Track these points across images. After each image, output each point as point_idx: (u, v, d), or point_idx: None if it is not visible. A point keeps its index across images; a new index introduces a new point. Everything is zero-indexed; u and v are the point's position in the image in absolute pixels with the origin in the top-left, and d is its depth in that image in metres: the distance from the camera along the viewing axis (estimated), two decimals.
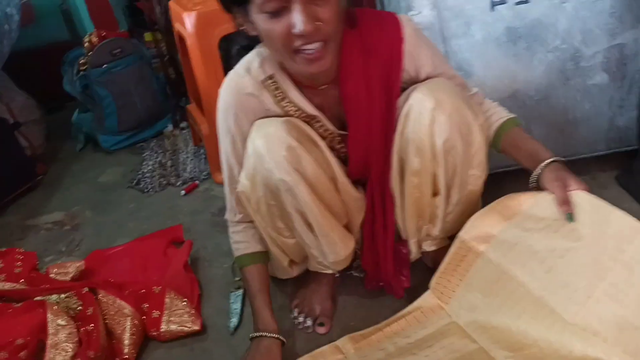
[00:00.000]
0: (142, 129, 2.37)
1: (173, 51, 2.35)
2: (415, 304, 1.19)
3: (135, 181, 2.04)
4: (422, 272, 1.30)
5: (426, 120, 1.05)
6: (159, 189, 1.96)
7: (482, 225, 1.11)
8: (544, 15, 1.32)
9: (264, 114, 1.11)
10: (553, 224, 1.04)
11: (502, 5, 1.31)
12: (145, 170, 2.09)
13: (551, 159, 1.06)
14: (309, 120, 1.13)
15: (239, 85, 1.11)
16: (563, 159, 1.07)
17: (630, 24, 1.33)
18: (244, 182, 1.11)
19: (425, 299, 1.19)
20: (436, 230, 1.21)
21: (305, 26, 0.92)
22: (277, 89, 1.11)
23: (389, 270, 1.23)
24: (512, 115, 1.18)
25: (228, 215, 1.26)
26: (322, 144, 1.11)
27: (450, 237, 1.26)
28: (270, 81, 1.10)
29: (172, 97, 2.47)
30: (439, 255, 1.25)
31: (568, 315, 0.95)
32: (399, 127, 1.10)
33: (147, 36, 2.68)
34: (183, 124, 2.38)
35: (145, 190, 1.97)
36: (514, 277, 1.04)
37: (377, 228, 1.21)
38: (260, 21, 0.96)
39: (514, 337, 1.02)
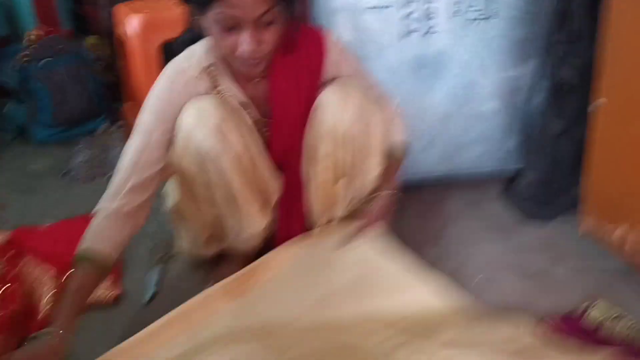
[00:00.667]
0: (75, 125, 2.42)
1: (113, 55, 2.46)
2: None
3: (65, 171, 2.10)
4: None
5: (333, 110, 1.23)
6: (88, 180, 2.04)
7: None
8: (447, 46, 1.55)
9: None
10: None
11: (413, 33, 1.53)
12: (76, 161, 2.15)
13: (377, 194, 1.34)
14: (240, 106, 1.28)
15: (183, 67, 1.24)
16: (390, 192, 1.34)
17: (520, 61, 1.58)
18: (176, 153, 1.21)
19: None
20: (339, 211, 1.37)
21: (251, 49, 1.10)
22: (215, 76, 1.25)
23: None
24: (398, 141, 1.38)
25: (102, 202, 1.21)
26: (250, 123, 1.26)
27: None
28: (211, 68, 1.25)
29: (108, 98, 2.56)
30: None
31: None
32: (312, 117, 1.27)
33: (89, 40, 2.77)
34: (118, 124, 2.46)
35: (77, 177, 2.04)
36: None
37: (293, 211, 1.36)
38: (213, 28, 1.11)
39: None
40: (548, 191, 1.55)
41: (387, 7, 1.49)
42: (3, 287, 1.29)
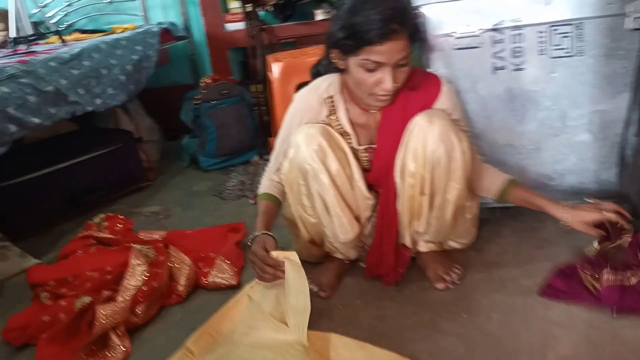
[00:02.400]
0: (234, 156, 2.89)
1: (268, 99, 2.91)
2: None
3: (219, 192, 2.54)
4: (416, 270, 1.63)
5: (421, 135, 1.43)
6: (236, 198, 2.44)
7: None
8: (537, 80, 1.66)
9: (315, 121, 1.53)
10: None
11: (502, 70, 1.67)
12: (229, 185, 2.59)
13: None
14: (344, 133, 1.54)
15: (308, 98, 1.56)
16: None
17: (610, 95, 1.63)
18: (285, 165, 1.53)
19: None
20: (421, 226, 1.54)
21: (391, 87, 1.37)
22: (332, 106, 1.54)
23: (390, 263, 1.57)
24: (510, 177, 1.55)
25: (268, 172, 1.65)
26: (347, 149, 1.51)
27: (440, 244, 1.62)
28: (329, 100, 1.54)
29: (262, 135, 3.00)
30: (429, 258, 1.60)
31: None
32: (403, 140, 1.48)
33: (252, 87, 3.27)
34: (266, 156, 2.88)
35: (224, 198, 2.46)
36: None
37: (385, 229, 1.57)
38: (355, 69, 1.39)
39: None
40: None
41: (476, 47, 1.66)
42: (153, 269, 1.68)
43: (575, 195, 1.75)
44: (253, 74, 3.05)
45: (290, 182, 1.55)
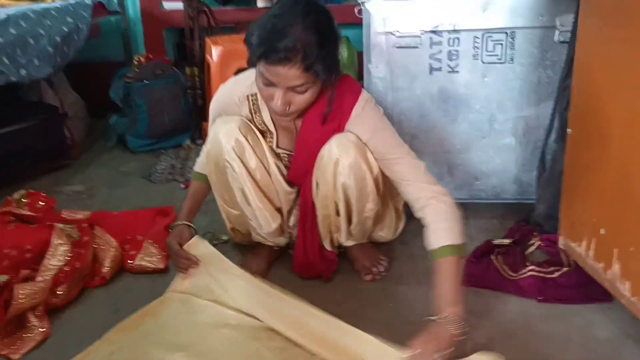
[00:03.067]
0: (165, 138, 2.81)
1: (204, 83, 2.86)
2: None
3: (148, 174, 2.47)
4: (344, 260, 1.66)
5: (332, 164, 1.42)
6: (165, 182, 2.39)
7: None
8: (469, 83, 1.73)
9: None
10: None
11: (439, 71, 1.73)
12: (158, 168, 2.53)
13: (440, 315, 1.20)
14: (265, 132, 1.52)
15: (231, 92, 1.53)
16: (456, 316, 1.18)
17: (534, 102, 1.73)
18: (204, 159, 1.53)
19: None
20: (342, 238, 1.58)
21: (280, 108, 1.31)
22: (254, 104, 1.52)
23: (317, 267, 1.59)
24: (454, 242, 1.28)
25: (199, 165, 1.64)
26: (266, 146, 1.50)
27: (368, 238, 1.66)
28: (253, 97, 1.51)
29: (195, 118, 2.94)
30: (356, 251, 1.63)
31: None
32: (317, 161, 1.46)
33: (188, 70, 3.20)
34: (199, 141, 2.83)
35: (154, 181, 2.40)
36: None
37: (308, 229, 1.58)
38: (257, 77, 1.32)
39: None
40: (554, 225, 1.66)
41: (415, 47, 1.71)
42: (76, 249, 1.62)
43: (497, 196, 1.85)
44: (190, 56, 2.98)
45: (210, 174, 1.55)
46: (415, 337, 1.18)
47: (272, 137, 1.53)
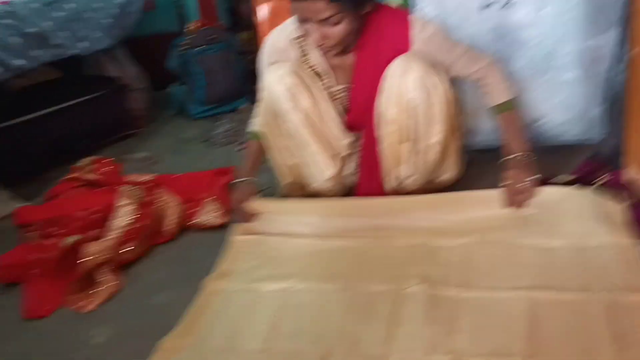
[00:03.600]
0: (222, 104, 2.86)
1: (257, 46, 2.86)
2: None
3: (208, 138, 2.53)
4: None
5: (399, 81, 1.41)
6: (224, 144, 2.44)
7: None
8: (525, 17, 1.64)
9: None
10: None
11: (490, 7, 1.65)
12: (217, 132, 2.58)
13: (514, 155, 1.43)
14: (320, 73, 1.52)
15: (275, 39, 1.54)
16: (527, 153, 1.41)
17: (600, 30, 1.62)
18: (260, 109, 1.52)
19: None
20: (407, 170, 1.55)
21: (317, 41, 1.38)
22: (303, 46, 1.51)
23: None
24: (508, 98, 1.50)
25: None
26: (319, 87, 1.50)
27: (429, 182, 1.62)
28: (298, 40, 1.51)
29: (250, 82, 2.96)
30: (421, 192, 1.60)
31: None
32: (382, 85, 1.46)
33: (242, 35, 3.22)
34: (255, 104, 2.85)
35: (214, 144, 2.45)
36: None
37: (370, 166, 1.57)
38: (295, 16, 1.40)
39: None
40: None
41: None
42: (142, 208, 1.68)
43: (561, 135, 1.76)
44: (242, 20, 2.99)
45: (265, 125, 1.55)
46: (502, 175, 1.42)
47: (328, 77, 1.52)
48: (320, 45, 1.41)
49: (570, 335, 1.04)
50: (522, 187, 1.41)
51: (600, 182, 1.53)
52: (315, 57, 1.51)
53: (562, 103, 1.72)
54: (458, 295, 1.19)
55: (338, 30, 1.37)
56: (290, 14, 1.47)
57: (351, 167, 1.62)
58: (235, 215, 1.54)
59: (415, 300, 1.19)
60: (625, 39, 1.55)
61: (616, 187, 1.50)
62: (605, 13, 1.59)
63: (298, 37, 1.51)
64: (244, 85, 2.93)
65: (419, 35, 1.46)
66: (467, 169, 1.73)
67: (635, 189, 1.35)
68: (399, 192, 1.60)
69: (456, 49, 1.50)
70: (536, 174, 1.42)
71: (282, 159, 1.61)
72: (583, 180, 1.55)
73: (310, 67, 1.52)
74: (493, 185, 1.69)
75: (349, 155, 1.59)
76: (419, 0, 1.69)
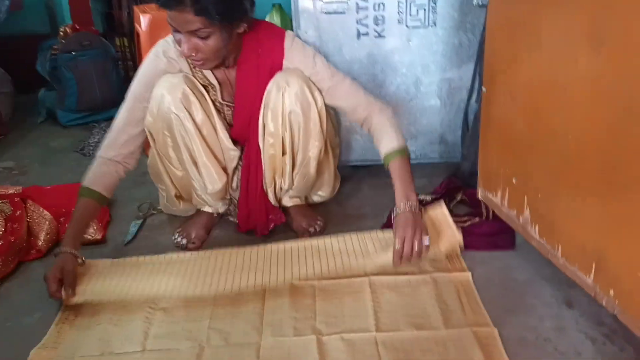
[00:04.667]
0: (96, 112, 2.77)
1: (135, 55, 2.80)
2: None
3: (80, 147, 2.43)
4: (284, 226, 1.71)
5: (278, 95, 1.48)
6: None
7: None
8: (395, 48, 1.80)
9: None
10: None
11: (365, 36, 1.79)
12: (91, 141, 2.49)
13: (403, 208, 1.39)
14: (208, 86, 1.55)
15: (166, 50, 1.53)
16: (415, 205, 1.39)
17: (457, 64, 1.82)
18: (148, 118, 1.50)
19: None
20: (285, 183, 1.62)
21: (186, 53, 1.38)
22: None
23: (260, 216, 1.64)
24: (398, 146, 1.47)
25: (101, 151, 1.54)
26: (209, 100, 1.53)
27: (305, 198, 1.72)
28: None
29: (126, 90, 2.89)
30: (294, 211, 1.69)
31: None
32: (264, 100, 1.52)
33: (118, 41, 3.14)
34: None
35: (87, 154, 2.37)
36: None
37: (251, 177, 1.62)
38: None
39: None
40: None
41: (342, 13, 1.76)
42: (9, 223, 1.60)
43: (425, 156, 1.94)
44: (118, 27, 2.92)
45: (154, 134, 1.54)
46: (394, 230, 1.38)
47: (215, 90, 1.55)
48: (188, 57, 1.41)
49: (405, 308, 1.30)
50: (412, 246, 1.36)
51: (457, 199, 1.73)
52: (205, 71, 1.53)
53: (425, 127, 1.90)
54: (316, 285, 1.39)
55: (208, 45, 1.38)
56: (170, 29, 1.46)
57: (235, 181, 1.66)
58: (49, 287, 1.33)
59: (280, 294, 1.37)
60: (476, 75, 1.76)
61: (473, 205, 1.70)
62: (462, 50, 1.80)
63: None
64: (120, 94, 2.85)
65: (289, 47, 1.53)
66: (342, 185, 1.84)
67: (488, 206, 1.53)
68: (279, 203, 1.69)
69: (329, 70, 1.55)
70: (423, 225, 1.38)
71: (168, 170, 1.60)
72: (444, 197, 1.73)
73: (199, 80, 1.54)
74: (364, 202, 1.84)
75: (235, 168, 1.63)
76: (300, 24, 1.78)
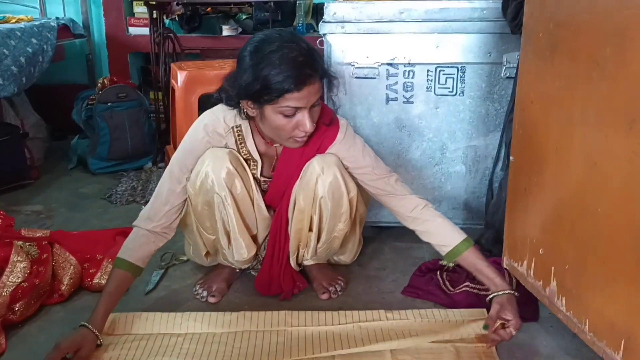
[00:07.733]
0: (126, 161, 2.84)
1: (168, 108, 2.90)
2: None
3: (107, 195, 2.48)
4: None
5: (313, 178, 1.50)
6: (125, 203, 2.41)
7: None
8: (423, 113, 1.84)
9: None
10: None
11: (394, 101, 1.84)
12: (119, 189, 2.54)
13: (503, 291, 1.39)
14: (250, 159, 1.57)
15: (214, 124, 1.53)
16: (513, 291, 1.39)
17: (482, 133, 1.85)
18: (190, 190, 1.52)
19: None
20: (308, 254, 1.66)
21: (311, 128, 1.38)
22: (239, 135, 1.55)
23: (286, 277, 1.64)
24: (464, 237, 1.49)
25: (139, 221, 1.51)
26: (250, 174, 1.55)
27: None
28: (237, 128, 1.54)
29: (158, 142, 2.98)
30: (315, 270, 1.69)
31: None
32: (301, 175, 1.55)
33: (152, 94, 3.24)
34: (161, 164, 2.86)
35: (114, 202, 2.41)
36: None
37: (277, 246, 1.64)
38: (273, 117, 1.37)
39: None
40: (501, 249, 1.75)
41: (373, 78, 1.81)
42: (35, 266, 1.62)
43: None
44: (154, 81, 3.03)
45: (194, 205, 1.55)
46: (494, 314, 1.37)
47: (255, 165, 1.57)
48: (302, 137, 1.41)
49: None
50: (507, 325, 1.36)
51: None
52: (250, 146, 1.55)
53: (450, 192, 1.91)
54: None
55: (318, 110, 1.42)
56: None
57: (264, 243, 1.68)
58: (52, 356, 1.27)
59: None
60: (502, 144, 1.78)
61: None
62: (488, 119, 1.83)
63: (237, 126, 1.54)
64: (151, 145, 2.94)
65: (341, 139, 1.54)
66: (364, 245, 1.85)
67: (512, 275, 1.51)
68: (300, 265, 1.70)
69: (380, 168, 1.56)
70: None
71: (201, 233, 1.62)
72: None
73: (243, 155, 1.56)
74: (385, 264, 1.83)
75: (267, 234, 1.66)
76: (331, 90, 1.83)
